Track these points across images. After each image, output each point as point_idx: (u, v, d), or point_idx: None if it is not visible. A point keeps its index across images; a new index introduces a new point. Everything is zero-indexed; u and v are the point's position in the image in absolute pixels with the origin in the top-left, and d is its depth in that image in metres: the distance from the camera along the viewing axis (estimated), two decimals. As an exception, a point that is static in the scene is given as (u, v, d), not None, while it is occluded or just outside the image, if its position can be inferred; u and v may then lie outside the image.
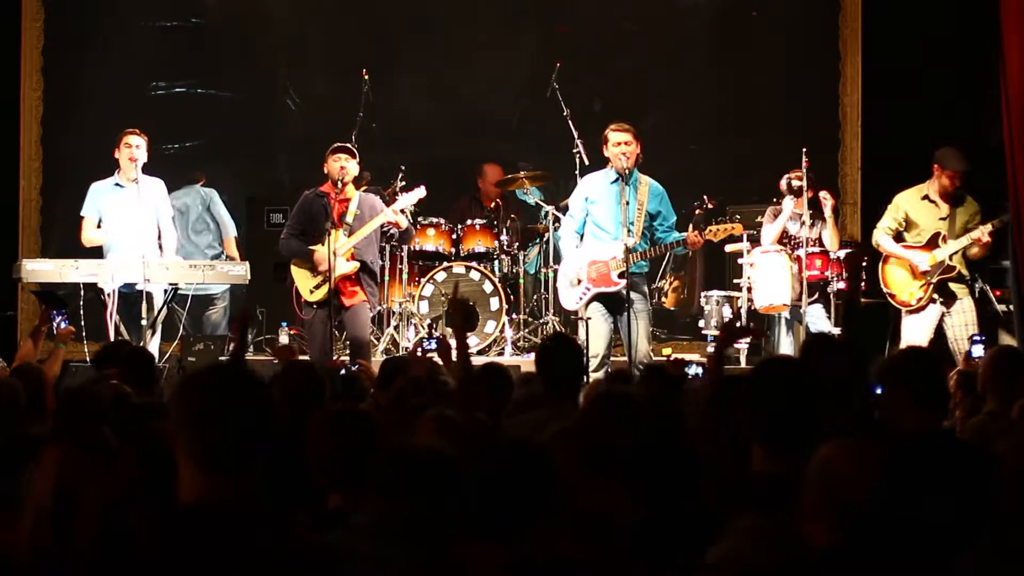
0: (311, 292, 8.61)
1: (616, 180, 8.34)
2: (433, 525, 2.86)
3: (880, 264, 9.10)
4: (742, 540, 2.51)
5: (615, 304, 8.28)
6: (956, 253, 8.83)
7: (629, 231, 8.22)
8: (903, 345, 8.86)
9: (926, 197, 8.94)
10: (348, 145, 8.68)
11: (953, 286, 8.89)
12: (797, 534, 2.52)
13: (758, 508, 2.94)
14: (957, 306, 8.88)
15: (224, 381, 2.55)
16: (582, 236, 8.52)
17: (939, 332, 8.91)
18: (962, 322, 8.83)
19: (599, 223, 8.41)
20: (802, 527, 2.76)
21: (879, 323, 9.42)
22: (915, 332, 8.87)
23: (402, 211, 8.77)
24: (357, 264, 8.55)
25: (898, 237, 9.03)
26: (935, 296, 8.87)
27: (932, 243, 8.89)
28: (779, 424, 3.30)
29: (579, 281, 8.37)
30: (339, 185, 8.53)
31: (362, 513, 2.97)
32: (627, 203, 8.24)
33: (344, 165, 8.53)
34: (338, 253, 8.45)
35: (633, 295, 8.26)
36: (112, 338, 8.57)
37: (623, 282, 8.16)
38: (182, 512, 2.48)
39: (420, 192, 8.85)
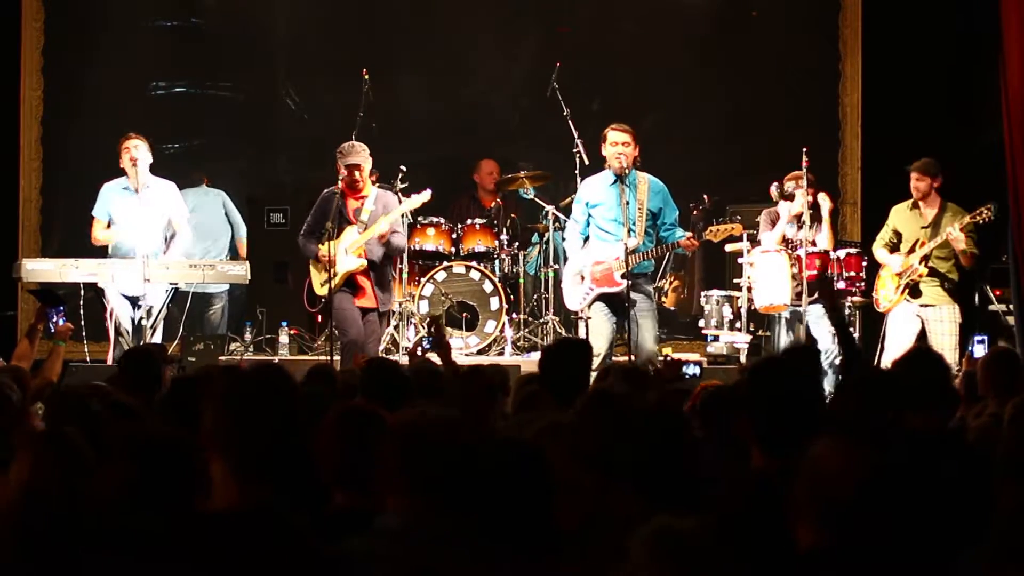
0: (322, 286, 8.66)
1: (615, 181, 8.35)
2: (443, 522, 2.85)
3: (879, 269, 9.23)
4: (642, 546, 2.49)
5: (619, 304, 8.29)
6: (929, 256, 8.85)
7: (630, 231, 8.23)
8: (888, 346, 8.92)
9: (911, 207, 9.03)
10: (357, 162, 8.62)
11: (928, 290, 8.92)
12: (705, 534, 2.49)
13: (753, 507, 2.94)
14: (935, 313, 8.91)
15: (268, 392, 2.54)
16: (586, 239, 8.53)
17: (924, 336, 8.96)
18: (940, 331, 8.87)
19: (602, 225, 8.43)
20: (792, 528, 2.76)
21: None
22: (897, 334, 8.94)
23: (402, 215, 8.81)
24: (364, 262, 8.58)
25: (896, 249, 9.13)
26: (908, 298, 8.93)
27: (912, 249, 8.98)
28: (773, 423, 3.30)
29: (583, 279, 8.39)
30: (340, 182, 8.60)
31: (390, 514, 2.95)
32: (627, 203, 8.24)
33: (357, 178, 8.57)
34: (349, 249, 8.50)
35: (636, 296, 8.26)
36: (112, 338, 8.60)
37: (625, 283, 8.17)
38: (219, 517, 2.48)
39: (425, 195, 8.88)
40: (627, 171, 8.31)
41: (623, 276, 8.19)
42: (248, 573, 2.42)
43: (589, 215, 8.49)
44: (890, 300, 9.03)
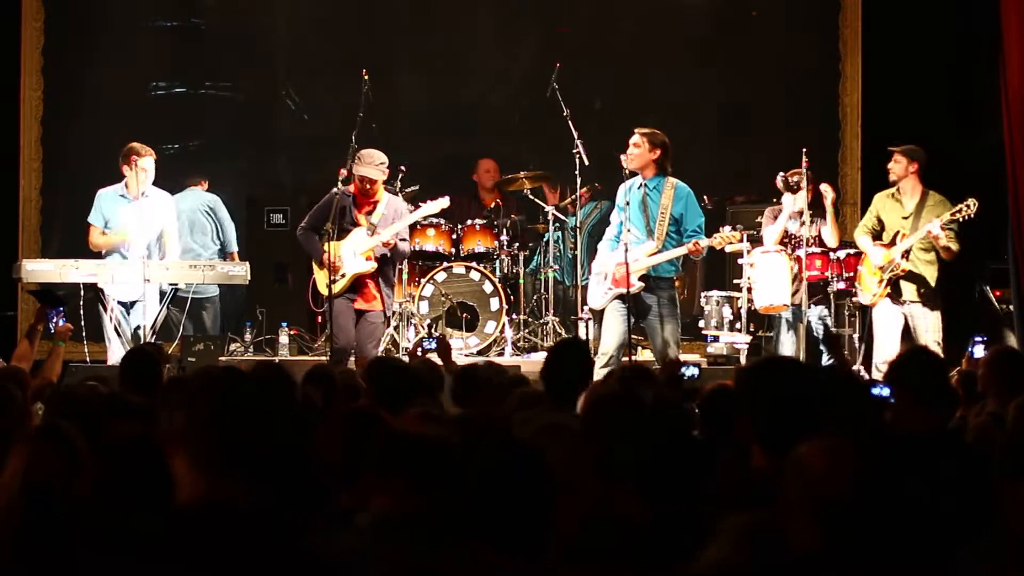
0: (327, 286, 8.63)
1: (641, 185, 8.37)
2: (436, 521, 2.85)
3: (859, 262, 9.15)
4: (733, 541, 2.49)
5: (638, 305, 8.28)
6: (910, 251, 8.78)
7: (651, 232, 8.22)
8: (876, 344, 8.90)
9: (893, 195, 8.96)
10: (369, 176, 8.58)
11: (909, 287, 8.87)
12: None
13: (753, 506, 2.94)
14: (918, 309, 8.85)
15: (237, 385, 2.53)
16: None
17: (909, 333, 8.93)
18: (924, 327, 8.80)
19: (629, 227, 8.43)
20: (783, 529, 2.76)
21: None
22: (883, 330, 8.89)
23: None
24: (374, 265, 8.55)
25: (879, 237, 9.05)
26: (891, 293, 8.88)
27: (892, 241, 8.91)
28: (774, 423, 3.30)
29: (605, 277, 8.41)
30: (353, 184, 8.60)
31: (366, 512, 2.97)
32: (627, 203, 8.26)
33: (368, 187, 8.55)
34: (358, 251, 8.48)
35: (652, 299, 8.25)
36: (110, 339, 8.59)
37: (641, 284, 8.18)
38: (189, 512, 2.47)
39: (444, 202, 8.87)
40: (633, 172, 8.32)
41: (640, 278, 8.19)
42: (233, 570, 2.41)
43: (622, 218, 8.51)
44: (874, 294, 8.94)
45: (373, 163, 8.52)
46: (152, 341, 8.54)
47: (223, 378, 2.59)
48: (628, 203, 8.32)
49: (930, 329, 8.78)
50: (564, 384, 4.90)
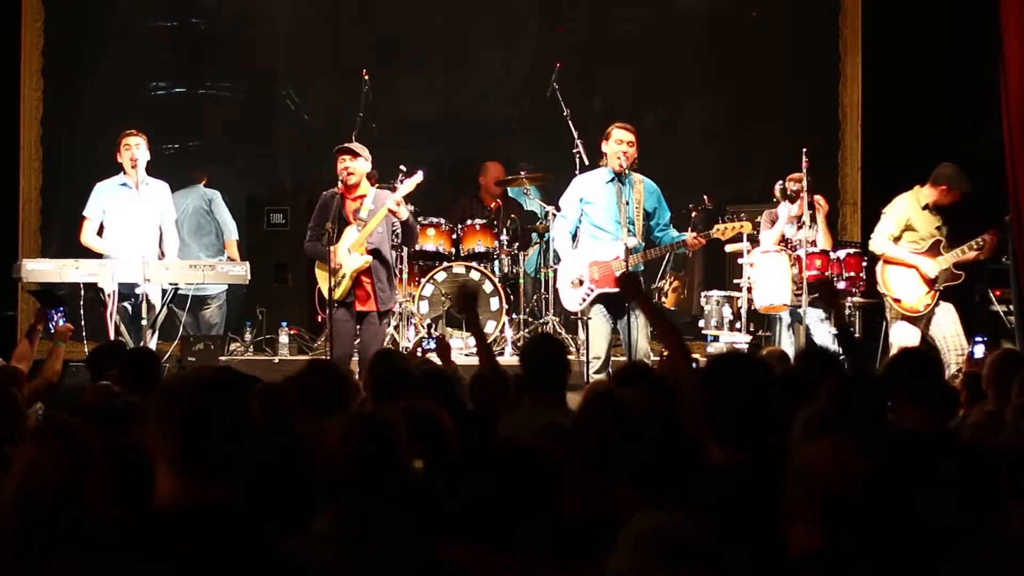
0: (329, 291, 8.60)
1: (612, 180, 8.33)
2: (400, 527, 2.85)
3: (880, 267, 9.09)
4: (632, 541, 2.47)
5: (618, 304, 8.26)
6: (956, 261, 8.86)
7: (629, 231, 8.21)
8: (894, 348, 8.89)
9: (926, 207, 8.96)
10: (348, 145, 8.63)
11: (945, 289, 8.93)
12: (698, 532, 2.48)
13: (714, 501, 2.95)
14: (941, 307, 8.88)
15: (203, 386, 2.53)
16: (574, 237, 8.49)
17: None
18: (951, 320, 8.84)
19: (598, 224, 8.38)
20: (786, 530, 2.75)
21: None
22: (907, 335, 8.88)
23: (403, 200, 8.69)
24: (369, 258, 8.49)
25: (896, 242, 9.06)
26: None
27: (934, 251, 8.92)
28: (730, 418, 3.31)
29: (581, 282, 8.35)
30: (340, 183, 8.54)
31: (322, 518, 2.95)
32: (626, 203, 8.24)
33: (347, 165, 8.50)
34: (352, 248, 8.47)
35: None
36: (112, 338, 8.57)
37: None
38: (157, 515, 2.47)
39: (418, 177, 8.75)
40: (627, 171, 8.30)
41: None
42: (205, 571, 2.41)
43: (582, 213, 8.45)
44: (925, 305, 8.92)
45: (341, 151, 8.50)
46: (152, 342, 8.54)
47: (199, 379, 2.58)
48: (595, 199, 8.30)
49: (957, 330, 8.81)
50: (546, 378, 4.90)
